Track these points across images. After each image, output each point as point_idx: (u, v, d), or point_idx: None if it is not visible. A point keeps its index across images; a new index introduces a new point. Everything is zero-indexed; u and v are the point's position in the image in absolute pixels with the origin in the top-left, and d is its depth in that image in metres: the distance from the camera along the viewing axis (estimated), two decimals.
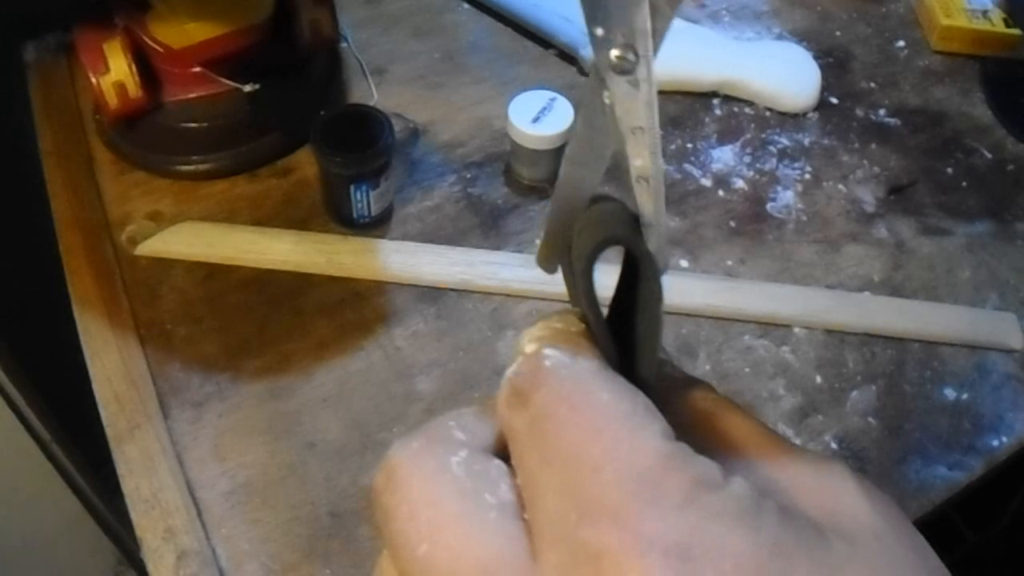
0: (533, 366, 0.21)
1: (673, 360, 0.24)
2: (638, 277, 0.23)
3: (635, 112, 0.20)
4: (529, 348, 0.22)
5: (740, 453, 0.21)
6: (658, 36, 0.19)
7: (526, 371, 0.21)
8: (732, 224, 0.69)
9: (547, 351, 0.21)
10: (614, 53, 0.19)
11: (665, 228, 0.22)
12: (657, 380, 0.22)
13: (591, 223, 0.23)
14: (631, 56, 0.19)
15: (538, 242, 0.22)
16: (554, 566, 0.18)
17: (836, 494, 0.20)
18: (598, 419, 0.19)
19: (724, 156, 0.74)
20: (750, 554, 0.17)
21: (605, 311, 0.23)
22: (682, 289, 0.63)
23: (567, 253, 0.24)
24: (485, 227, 0.67)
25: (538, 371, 0.20)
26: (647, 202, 0.22)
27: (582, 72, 0.79)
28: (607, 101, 0.20)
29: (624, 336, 0.23)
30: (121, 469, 0.53)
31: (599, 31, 0.19)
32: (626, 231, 0.22)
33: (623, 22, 0.19)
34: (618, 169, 0.22)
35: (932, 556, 0.20)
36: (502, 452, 0.21)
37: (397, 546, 0.20)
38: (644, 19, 0.19)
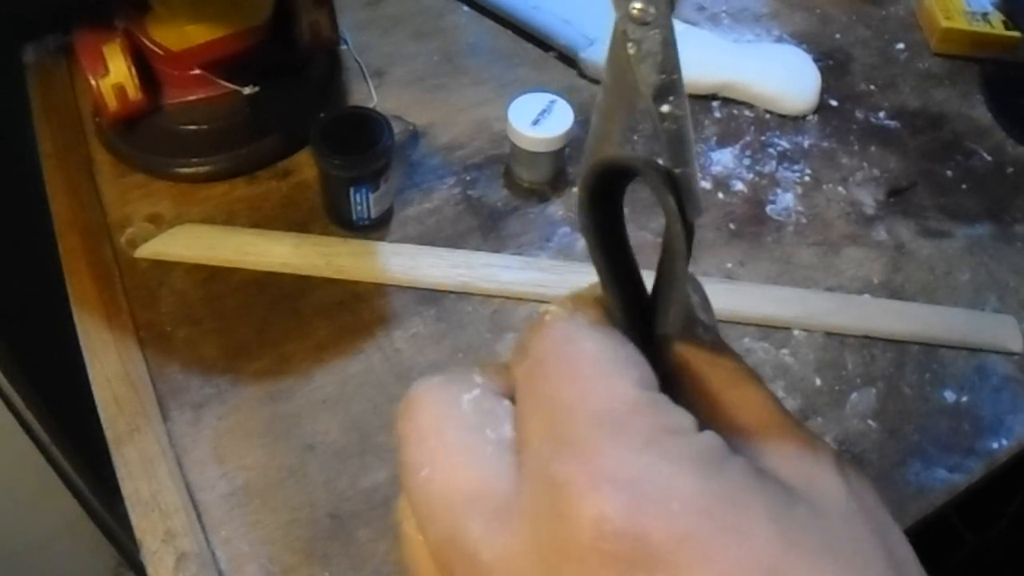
0: (537, 323, 0.22)
1: (712, 322, 0.25)
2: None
3: (657, 59, 0.21)
4: (541, 308, 0.23)
5: (736, 417, 0.22)
6: None
7: (531, 328, 0.23)
8: (732, 226, 0.69)
9: (551, 308, 0.23)
10: (634, 5, 0.21)
11: (695, 173, 0.22)
12: (683, 342, 0.23)
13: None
14: (650, 7, 0.21)
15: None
16: (528, 495, 0.20)
17: (815, 468, 0.20)
18: (578, 366, 0.21)
19: (724, 159, 0.74)
20: (699, 497, 0.18)
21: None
22: None
23: None
24: (485, 229, 0.67)
25: (539, 327, 0.22)
26: (675, 146, 0.22)
27: (582, 74, 0.79)
28: (631, 51, 0.21)
29: (640, 288, 0.24)
30: (120, 471, 0.53)
31: None
32: (634, 158, 0.22)
33: None
34: (645, 121, 0.22)
35: (901, 545, 0.20)
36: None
37: (405, 468, 0.22)
38: None
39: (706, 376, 0.23)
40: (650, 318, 0.24)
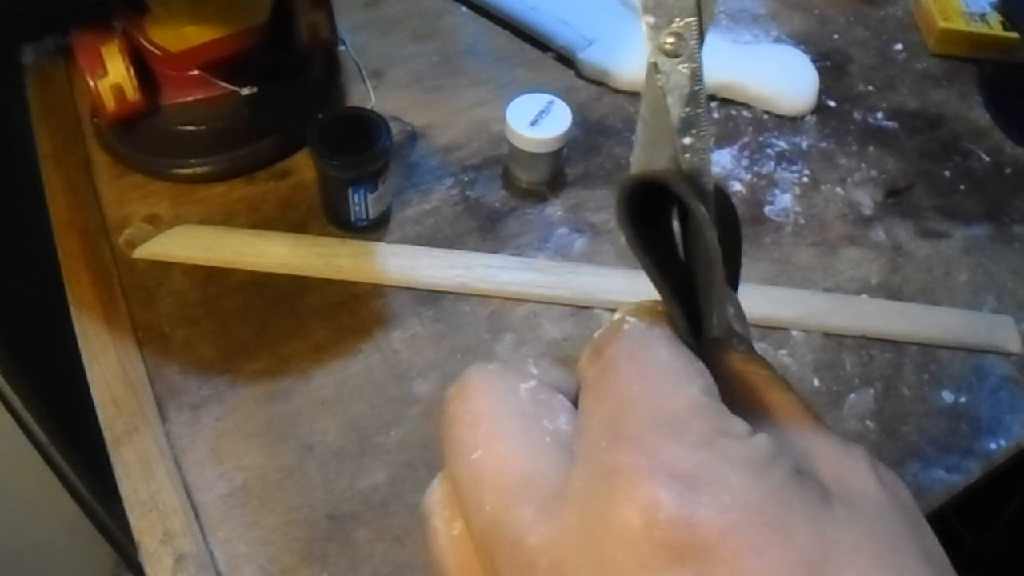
0: (614, 329, 0.23)
1: (746, 333, 0.26)
2: (692, 233, 0.24)
3: (684, 92, 0.22)
4: (617, 316, 0.24)
5: (776, 421, 0.23)
6: (704, 23, 0.22)
7: (607, 332, 0.23)
8: None
9: (629, 318, 0.23)
10: (666, 40, 0.22)
11: (711, 205, 0.23)
12: (721, 348, 0.24)
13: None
14: (681, 42, 0.22)
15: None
16: (579, 479, 0.20)
17: (850, 467, 0.21)
18: (649, 369, 0.22)
19: (722, 159, 0.74)
20: (750, 493, 0.19)
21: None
22: None
23: None
24: (483, 230, 0.67)
25: (616, 332, 0.23)
26: (695, 179, 0.23)
27: (580, 75, 0.79)
28: (660, 84, 0.22)
29: (694, 299, 0.25)
30: (119, 472, 0.53)
31: (651, 19, 0.22)
32: (669, 175, 0.23)
33: (672, 11, 0.21)
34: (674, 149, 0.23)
35: (933, 541, 0.21)
36: (574, 399, 0.24)
37: (454, 450, 0.22)
38: (691, 8, 0.21)
39: (743, 381, 0.24)
40: (697, 326, 0.25)
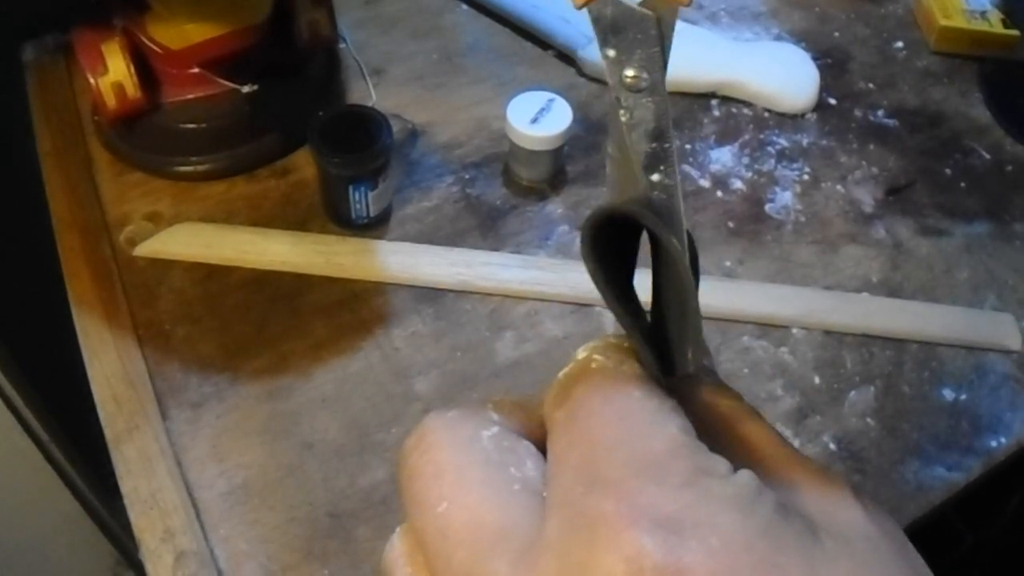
0: (581, 368, 0.22)
1: (711, 364, 0.26)
2: (664, 265, 0.23)
3: (649, 127, 0.21)
4: (582, 355, 0.23)
5: (753, 456, 0.22)
6: (665, 50, 0.20)
7: (574, 371, 0.22)
8: (730, 225, 0.69)
9: (596, 356, 0.23)
10: (628, 73, 0.20)
11: (685, 243, 0.22)
12: (691, 382, 0.24)
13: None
14: (644, 75, 0.20)
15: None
16: (555, 529, 0.19)
17: (835, 500, 0.21)
18: (624, 410, 0.21)
19: (722, 157, 0.74)
20: (739, 533, 0.18)
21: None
22: None
23: None
24: (483, 228, 0.67)
25: (584, 372, 0.22)
26: (665, 217, 0.22)
27: (581, 73, 0.79)
28: (623, 120, 0.21)
29: (663, 334, 0.24)
30: (119, 470, 0.53)
31: (611, 52, 0.20)
32: (637, 208, 0.22)
33: (634, 44, 0.20)
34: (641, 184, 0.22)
35: (921, 564, 0.20)
36: (538, 443, 0.23)
37: (418, 503, 0.21)
38: (654, 39, 0.20)
39: (716, 414, 0.23)
40: (665, 361, 0.24)
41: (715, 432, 0.22)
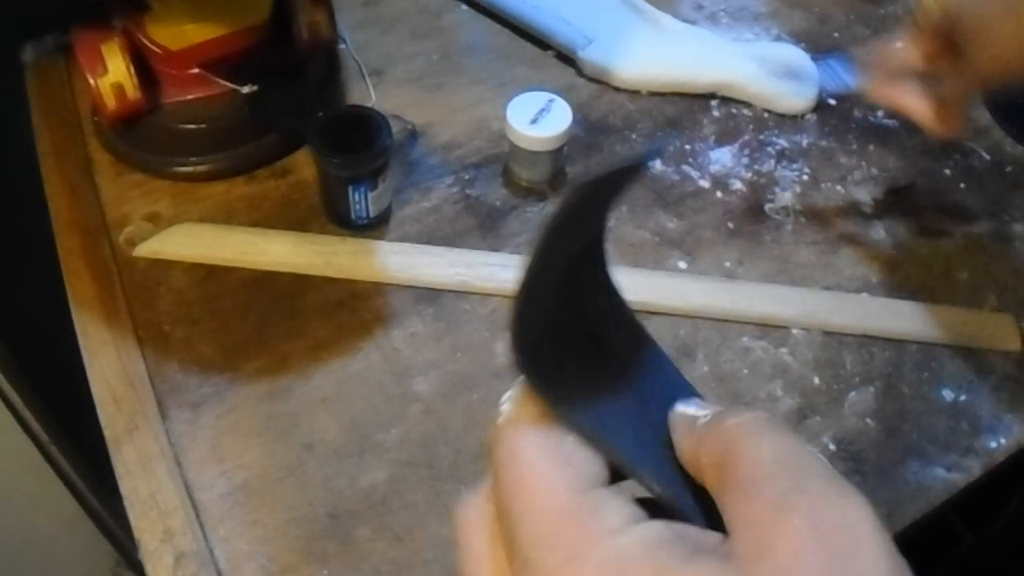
0: (495, 428, 0.25)
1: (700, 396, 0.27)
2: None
3: None
4: (503, 407, 0.25)
5: (722, 496, 0.22)
6: None
7: (491, 431, 0.25)
8: (730, 225, 0.69)
9: (502, 408, 0.25)
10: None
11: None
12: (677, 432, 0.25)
13: None
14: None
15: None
16: None
17: (784, 528, 0.20)
18: (520, 477, 0.23)
19: (722, 157, 0.74)
20: None
21: None
22: (680, 290, 0.63)
23: None
24: (483, 228, 0.67)
25: (494, 432, 0.24)
26: None
27: (580, 73, 0.79)
28: None
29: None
30: (119, 470, 0.53)
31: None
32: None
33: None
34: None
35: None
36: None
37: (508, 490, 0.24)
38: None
39: (697, 461, 0.24)
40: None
41: (706, 464, 0.23)
